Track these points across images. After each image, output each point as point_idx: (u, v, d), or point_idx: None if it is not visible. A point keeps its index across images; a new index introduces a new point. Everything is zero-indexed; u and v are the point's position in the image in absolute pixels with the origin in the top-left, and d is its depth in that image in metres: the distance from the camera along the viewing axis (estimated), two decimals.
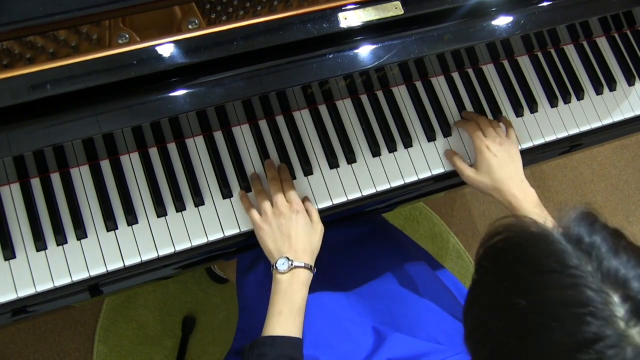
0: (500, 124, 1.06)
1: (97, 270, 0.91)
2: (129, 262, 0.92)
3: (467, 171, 1.00)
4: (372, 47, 0.90)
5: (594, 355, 0.47)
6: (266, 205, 0.92)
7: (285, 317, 0.84)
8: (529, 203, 0.94)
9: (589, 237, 0.53)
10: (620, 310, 0.49)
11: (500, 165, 0.97)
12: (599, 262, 0.51)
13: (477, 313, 0.58)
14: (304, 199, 0.98)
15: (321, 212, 0.97)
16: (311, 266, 0.89)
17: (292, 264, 0.86)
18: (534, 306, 0.51)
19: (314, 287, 0.96)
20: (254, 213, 0.93)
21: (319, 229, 0.93)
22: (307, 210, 0.94)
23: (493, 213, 1.95)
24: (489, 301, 0.57)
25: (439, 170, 1.05)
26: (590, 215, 0.56)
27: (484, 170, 0.98)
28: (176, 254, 0.94)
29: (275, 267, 0.87)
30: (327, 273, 1.03)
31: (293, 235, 0.89)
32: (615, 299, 0.49)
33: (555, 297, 0.51)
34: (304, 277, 0.87)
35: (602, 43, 1.20)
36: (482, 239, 0.60)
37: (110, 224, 0.92)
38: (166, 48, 0.82)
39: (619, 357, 0.47)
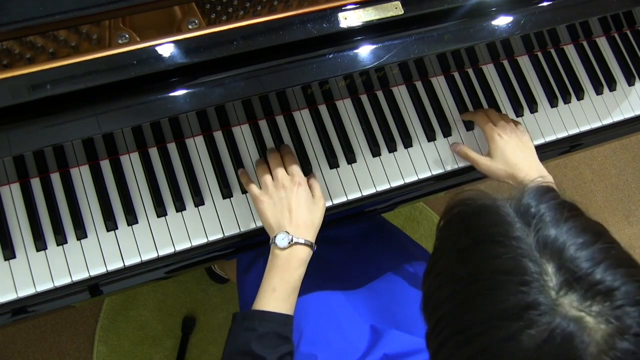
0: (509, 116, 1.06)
1: (97, 270, 0.91)
2: (129, 262, 0.92)
3: (483, 160, 0.99)
4: (372, 47, 0.90)
5: (523, 323, 0.48)
6: (267, 177, 0.90)
7: (279, 294, 0.82)
8: None
9: (535, 207, 0.54)
10: (553, 279, 0.49)
11: (514, 150, 0.97)
12: (537, 231, 0.52)
13: (430, 282, 0.59)
14: (310, 175, 0.96)
15: None
16: (312, 243, 0.86)
17: (292, 240, 0.84)
18: (471, 275, 0.53)
19: (312, 285, 0.96)
20: (253, 186, 0.91)
21: (321, 204, 0.90)
22: (310, 185, 0.92)
23: None
24: (438, 270, 0.58)
25: (439, 170, 1.05)
26: (544, 188, 0.57)
27: (498, 157, 0.98)
28: (176, 254, 0.94)
29: (275, 241, 0.84)
30: (326, 271, 1.03)
31: (294, 208, 0.86)
32: (550, 269, 0.50)
33: (492, 266, 0.52)
34: (303, 255, 0.84)
35: (602, 43, 1.20)
36: (442, 211, 0.62)
37: (110, 224, 0.92)
38: (166, 48, 0.82)
39: (548, 325, 0.47)
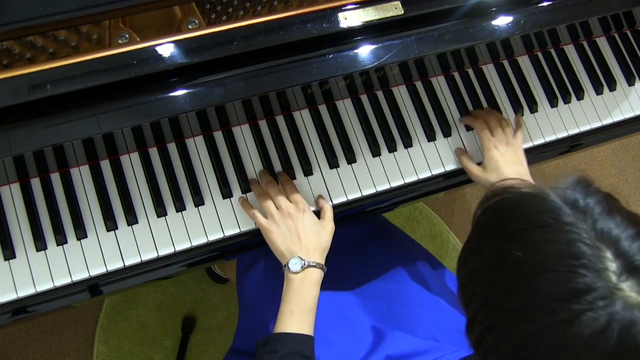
0: (509, 123, 1.06)
1: (97, 270, 0.91)
2: (129, 262, 0.92)
3: (475, 169, 1.01)
4: (372, 47, 0.90)
5: (584, 306, 0.49)
6: (271, 207, 0.92)
7: (297, 316, 0.85)
8: None
9: (583, 200, 0.55)
10: (612, 265, 0.50)
11: (507, 164, 0.98)
12: (593, 222, 0.53)
13: (470, 267, 0.60)
14: (319, 197, 0.99)
15: None
16: (322, 265, 0.89)
17: (305, 264, 0.87)
18: (528, 257, 0.53)
19: None
20: (259, 216, 0.93)
21: (329, 227, 0.93)
22: (321, 208, 0.95)
23: None
24: (482, 254, 0.58)
25: (438, 170, 1.05)
26: (585, 181, 0.58)
27: (491, 168, 0.99)
28: (176, 254, 0.94)
29: (288, 267, 0.88)
30: (328, 272, 1.03)
31: (302, 234, 0.89)
32: (608, 254, 0.51)
33: (549, 249, 0.52)
34: (316, 277, 0.88)
35: (602, 43, 1.20)
36: (480, 201, 0.62)
37: (110, 224, 0.92)
38: (166, 48, 0.82)
39: (608, 308, 0.48)
